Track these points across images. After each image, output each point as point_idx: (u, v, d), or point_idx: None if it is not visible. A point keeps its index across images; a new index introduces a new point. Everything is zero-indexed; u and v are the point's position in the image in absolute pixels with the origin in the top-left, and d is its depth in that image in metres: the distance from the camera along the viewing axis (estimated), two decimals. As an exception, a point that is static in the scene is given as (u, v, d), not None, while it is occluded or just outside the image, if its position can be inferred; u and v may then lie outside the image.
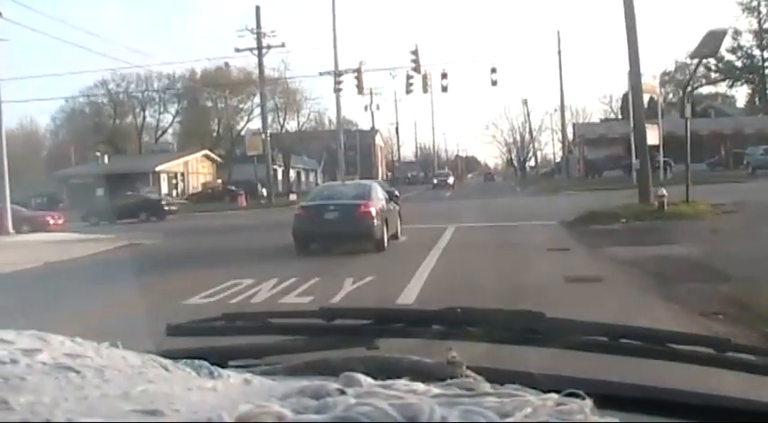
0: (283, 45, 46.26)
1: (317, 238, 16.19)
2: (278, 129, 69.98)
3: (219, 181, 64.56)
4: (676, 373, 1.51)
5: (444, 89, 44.37)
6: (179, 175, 64.21)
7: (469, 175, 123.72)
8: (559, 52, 57.55)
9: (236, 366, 1.35)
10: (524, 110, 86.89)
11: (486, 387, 0.98)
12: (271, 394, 0.90)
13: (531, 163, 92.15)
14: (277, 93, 68.18)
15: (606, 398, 1.09)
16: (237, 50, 45.89)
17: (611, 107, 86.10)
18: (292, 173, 76.82)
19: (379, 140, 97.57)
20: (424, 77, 44.47)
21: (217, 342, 1.69)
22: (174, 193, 60.65)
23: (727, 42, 65.02)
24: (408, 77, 44.81)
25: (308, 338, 1.66)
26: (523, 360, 1.58)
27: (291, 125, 73.95)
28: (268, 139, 47.29)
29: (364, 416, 0.78)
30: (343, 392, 0.86)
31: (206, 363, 1.16)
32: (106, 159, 63.71)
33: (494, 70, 43.93)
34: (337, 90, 44.92)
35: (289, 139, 70.48)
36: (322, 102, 67.12)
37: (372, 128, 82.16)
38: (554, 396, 0.88)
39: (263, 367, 1.37)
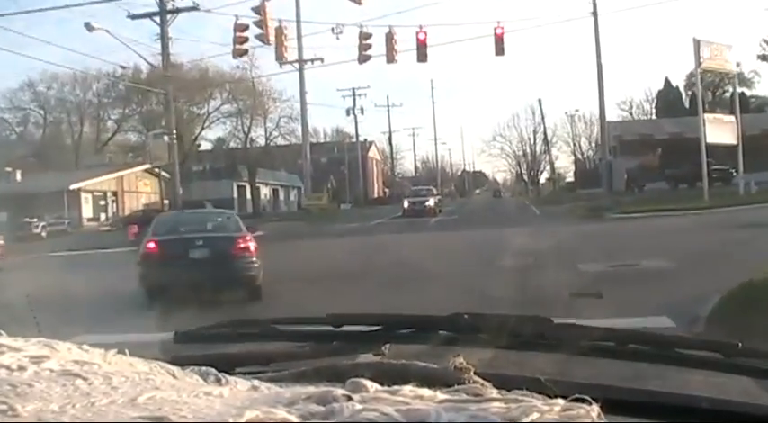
0: (196, 7, 32.81)
1: (179, 284, 10.99)
2: (243, 138, 59.20)
3: (167, 202, 50.13)
4: (684, 377, 1.51)
5: (423, 58, 30.56)
6: (109, 195, 52.26)
7: (477, 191, 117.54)
8: (595, 12, 36.89)
9: (244, 373, 1.35)
10: (537, 114, 78.16)
11: (494, 393, 0.98)
12: (277, 400, 0.90)
13: (545, 175, 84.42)
14: (239, 93, 56.27)
15: (614, 403, 1.08)
16: (133, 17, 32.75)
17: (630, 114, 79.64)
18: (266, 190, 67.08)
19: (374, 153, 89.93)
20: (389, 38, 30.16)
21: (224, 349, 1.69)
22: (104, 216, 50.16)
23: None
24: (363, 37, 30.36)
25: (315, 344, 1.67)
26: (531, 365, 1.58)
27: (258, 132, 60.89)
28: (175, 143, 34.63)
29: (370, 421, 0.79)
30: (349, 398, 0.86)
31: (213, 369, 1.16)
32: (18, 176, 52.28)
33: (499, 31, 30.16)
34: (238, 52, 30.83)
35: (256, 150, 59.79)
36: (296, 105, 52.97)
37: (357, 137, 72.10)
38: (561, 401, 0.87)
39: (270, 374, 1.37)
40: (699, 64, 33.53)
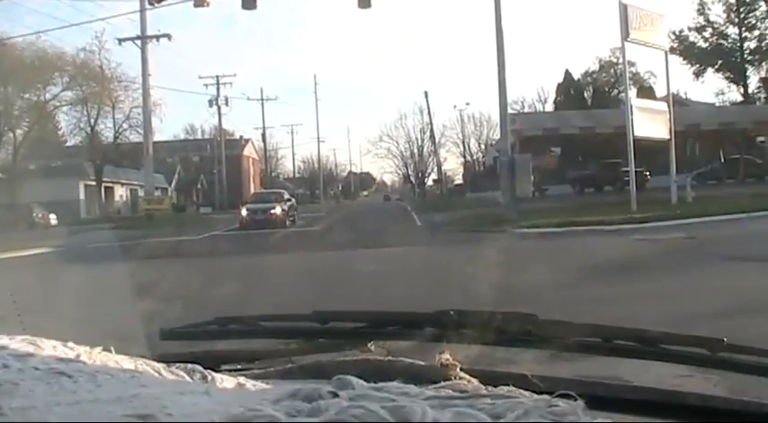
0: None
1: None
2: (89, 131, 51.22)
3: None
4: (670, 373, 1.52)
5: (250, 3, 23.44)
6: None
7: (364, 193, 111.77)
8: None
9: (229, 370, 1.35)
10: (425, 112, 71.99)
11: (480, 389, 0.98)
12: (263, 398, 0.90)
13: (434, 177, 78.89)
14: (84, 78, 48.25)
15: (599, 399, 1.09)
16: None
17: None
18: (122, 191, 59.42)
19: (250, 151, 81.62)
20: None
21: (210, 346, 1.69)
22: None
23: (690, 18, 48.95)
24: None
25: (301, 342, 1.66)
26: (517, 362, 1.58)
27: (107, 125, 52.13)
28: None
29: (356, 418, 0.79)
30: (335, 395, 0.86)
31: (199, 367, 1.16)
32: None
33: None
34: None
35: (106, 145, 51.75)
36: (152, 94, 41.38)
37: (221, 130, 62.36)
38: (546, 397, 0.88)
39: (256, 371, 1.37)
40: (627, 34, 25.00)
